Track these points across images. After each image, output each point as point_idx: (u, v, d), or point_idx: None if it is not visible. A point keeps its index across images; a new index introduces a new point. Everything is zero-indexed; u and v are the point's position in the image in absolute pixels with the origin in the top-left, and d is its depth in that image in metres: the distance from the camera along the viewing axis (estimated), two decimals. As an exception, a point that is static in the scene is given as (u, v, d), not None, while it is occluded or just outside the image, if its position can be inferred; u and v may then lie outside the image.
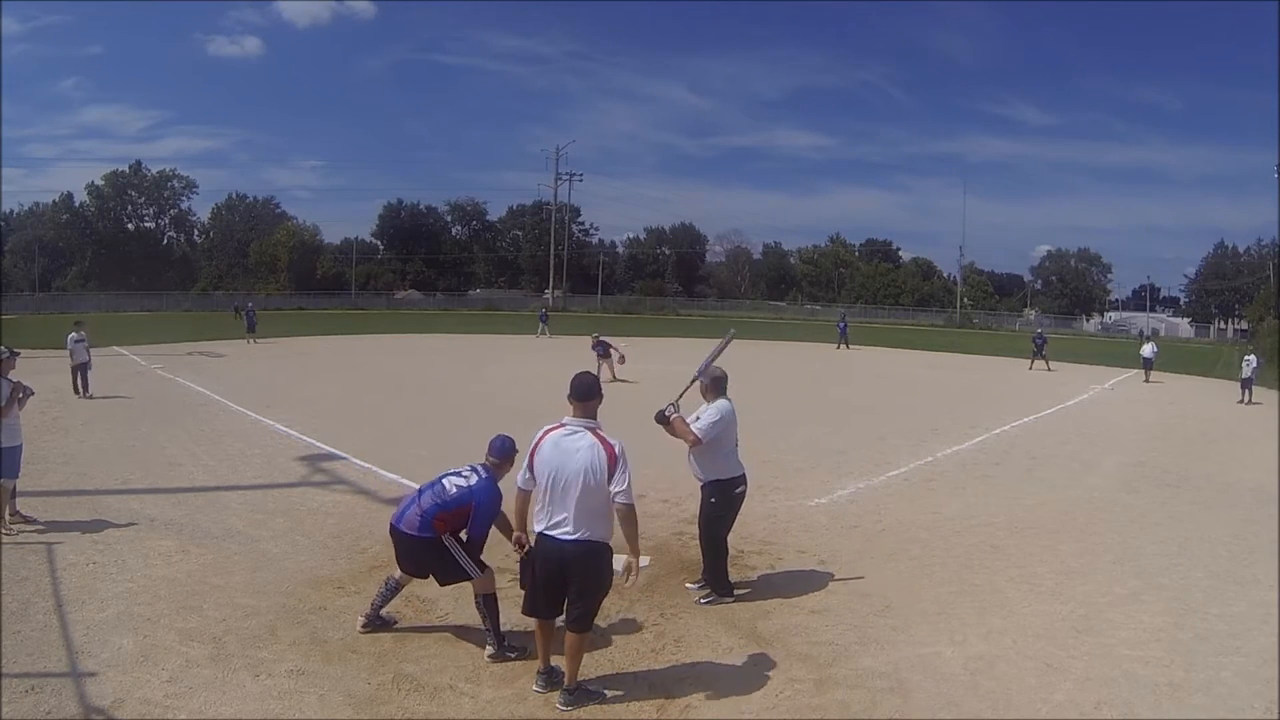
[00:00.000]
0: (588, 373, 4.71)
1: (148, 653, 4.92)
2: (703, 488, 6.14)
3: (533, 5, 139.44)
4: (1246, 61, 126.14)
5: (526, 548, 4.70)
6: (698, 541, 6.37)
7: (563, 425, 4.52)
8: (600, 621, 5.33)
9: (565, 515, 4.39)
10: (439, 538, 5.08)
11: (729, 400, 6.08)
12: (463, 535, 5.15)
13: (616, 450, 4.40)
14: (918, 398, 20.21)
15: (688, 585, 6.32)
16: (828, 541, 7.71)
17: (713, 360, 6.21)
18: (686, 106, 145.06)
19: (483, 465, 5.24)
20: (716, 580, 6.13)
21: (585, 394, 4.54)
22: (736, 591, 6.21)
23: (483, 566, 5.15)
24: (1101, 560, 7.37)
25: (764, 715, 4.47)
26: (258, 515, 8.05)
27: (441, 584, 5.33)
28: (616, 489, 4.36)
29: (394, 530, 5.24)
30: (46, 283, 76.87)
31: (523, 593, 4.77)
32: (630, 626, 5.59)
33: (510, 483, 4.95)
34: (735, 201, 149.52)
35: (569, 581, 4.46)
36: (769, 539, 7.69)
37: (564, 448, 4.43)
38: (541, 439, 4.53)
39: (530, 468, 4.54)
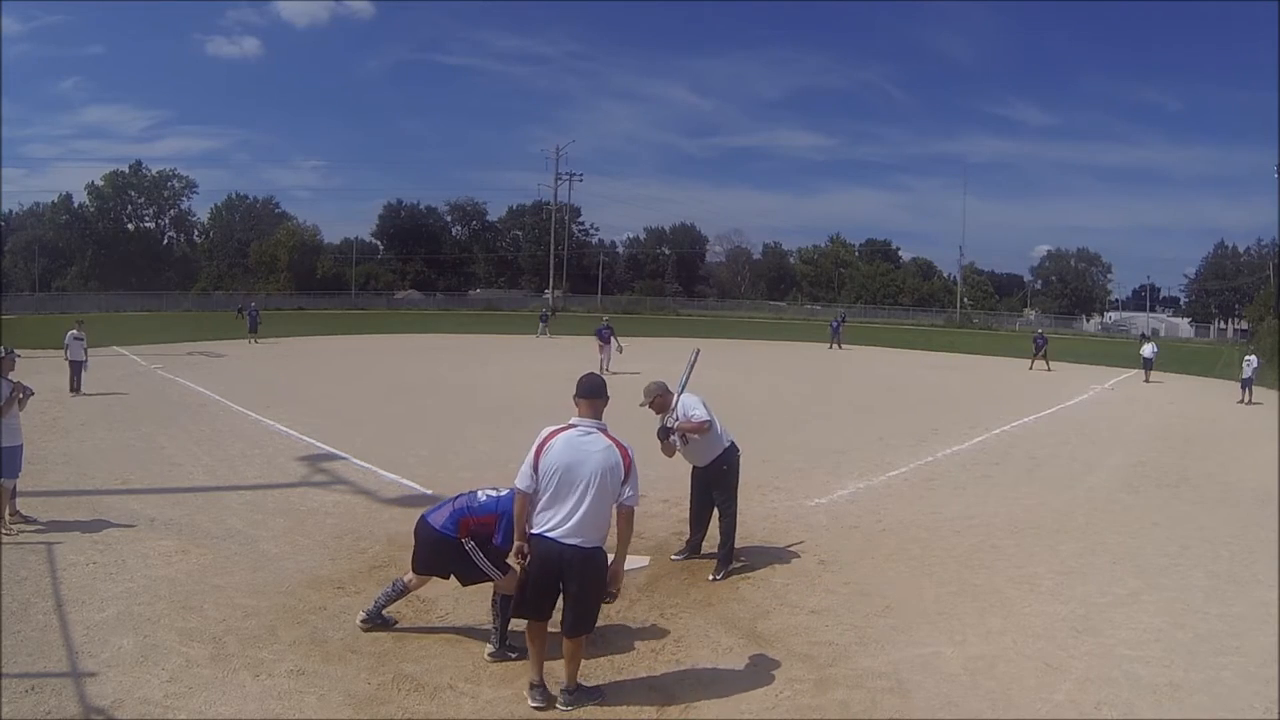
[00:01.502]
0: (595, 374, 4.71)
1: (148, 653, 4.92)
2: (707, 469, 6.78)
3: (533, 5, 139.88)
4: (1246, 61, 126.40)
5: (527, 558, 4.45)
6: (688, 520, 7.11)
7: (573, 426, 4.43)
8: (600, 621, 5.33)
9: (572, 518, 4.29)
10: (459, 540, 5.11)
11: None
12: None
13: (630, 453, 4.41)
14: (917, 397, 20.21)
15: (672, 557, 6.94)
16: (828, 541, 7.71)
17: (687, 380, 6.64)
18: (687, 106, 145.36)
19: None
20: (727, 553, 6.69)
21: (593, 392, 4.48)
22: (736, 588, 6.41)
23: (505, 568, 5.16)
24: (1101, 560, 7.37)
25: (764, 715, 4.47)
26: (257, 515, 8.05)
27: (464, 584, 5.37)
28: (629, 492, 4.37)
29: (422, 522, 5.31)
30: (46, 283, 76.83)
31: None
32: (630, 627, 5.60)
33: None
34: (735, 201, 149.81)
35: (566, 584, 4.39)
36: (769, 539, 7.70)
37: (579, 448, 4.34)
38: (549, 439, 4.38)
39: (535, 468, 4.36)
